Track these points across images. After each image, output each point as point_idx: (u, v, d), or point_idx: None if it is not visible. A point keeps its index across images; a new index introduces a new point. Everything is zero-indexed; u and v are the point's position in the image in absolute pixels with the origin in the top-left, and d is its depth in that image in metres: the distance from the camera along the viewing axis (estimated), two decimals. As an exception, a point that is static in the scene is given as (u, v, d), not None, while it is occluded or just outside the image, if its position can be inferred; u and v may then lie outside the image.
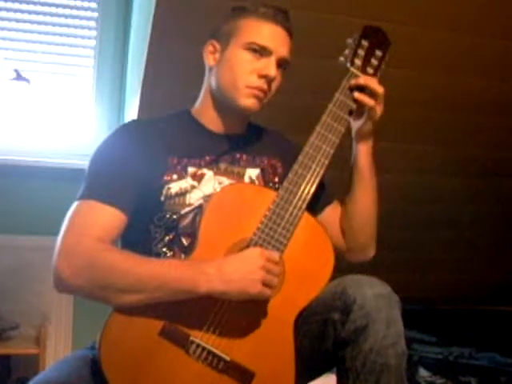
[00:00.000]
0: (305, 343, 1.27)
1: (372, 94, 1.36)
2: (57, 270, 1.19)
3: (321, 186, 1.34)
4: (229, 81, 1.35)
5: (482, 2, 2.19)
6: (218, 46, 1.38)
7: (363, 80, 1.35)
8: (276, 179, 1.42)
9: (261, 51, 1.33)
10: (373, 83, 1.35)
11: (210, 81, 1.41)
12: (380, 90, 1.35)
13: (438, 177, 2.95)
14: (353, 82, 1.35)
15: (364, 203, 1.44)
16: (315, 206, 1.37)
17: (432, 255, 3.26)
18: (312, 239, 1.30)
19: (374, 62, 1.39)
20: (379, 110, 1.38)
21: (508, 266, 3.38)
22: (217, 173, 1.36)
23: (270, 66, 1.33)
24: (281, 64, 1.36)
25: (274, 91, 1.38)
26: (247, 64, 1.34)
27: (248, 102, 1.35)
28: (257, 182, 1.40)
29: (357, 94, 1.34)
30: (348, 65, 1.37)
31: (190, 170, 1.34)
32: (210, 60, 1.39)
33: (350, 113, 1.35)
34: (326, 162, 1.31)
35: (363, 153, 1.43)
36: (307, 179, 1.29)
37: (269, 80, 1.34)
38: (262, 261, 1.19)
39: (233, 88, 1.34)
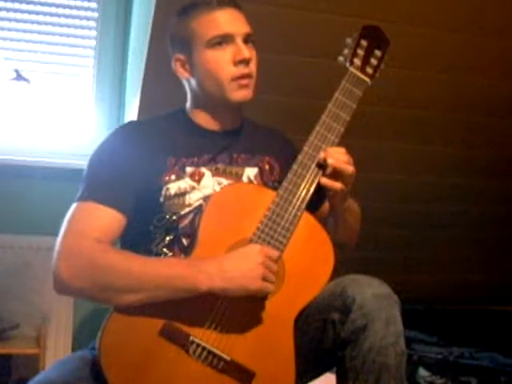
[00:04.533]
0: (305, 343, 1.27)
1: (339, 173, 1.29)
2: (56, 272, 1.19)
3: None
4: (212, 84, 1.35)
5: (481, 1, 2.19)
6: (183, 58, 1.38)
7: (330, 162, 1.27)
8: (274, 178, 1.42)
9: (224, 40, 1.33)
10: (339, 163, 1.28)
11: (193, 90, 1.40)
12: (349, 170, 1.29)
13: (438, 177, 2.95)
14: (321, 155, 1.28)
15: (340, 230, 1.43)
16: (313, 203, 1.36)
17: (432, 255, 3.26)
18: (312, 239, 1.30)
19: (374, 61, 1.39)
20: (348, 185, 1.31)
21: (508, 266, 3.38)
22: (215, 173, 1.35)
23: (240, 50, 1.33)
24: (247, 40, 1.35)
25: (255, 69, 1.37)
26: (220, 60, 1.33)
27: (240, 94, 1.35)
28: (255, 182, 1.40)
29: (323, 180, 1.28)
30: (347, 64, 1.37)
31: (188, 169, 1.33)
32: (183, 73, 1.39)
33: (320, 166, 1.29)
34: (326, 161, 1.31)
35: (337, 204, 1.38)
36: (306, 179, 1.28)
37: (246, 62, 1.33)
38: (261, 257, 1.19)
39: (219, 88, 1.34)
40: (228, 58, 1.33)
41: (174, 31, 1.40)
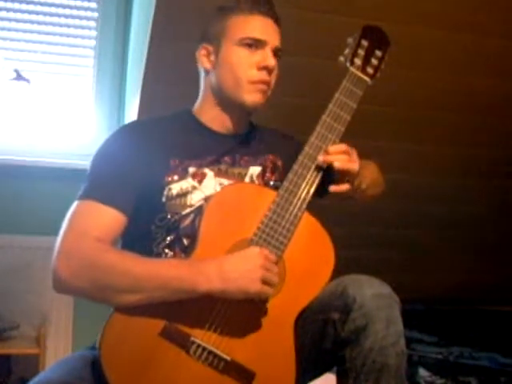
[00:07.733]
0: (305, 343, 1.27)
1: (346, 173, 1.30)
2: (56, 271, 1.19)
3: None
4: (231, 80, 1.35)
5: (481, 1, 2.19)
6: (210, 49, 1.39)
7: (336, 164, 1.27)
8: (274, 177, 1.42)
9: (255, 44, 1.35)
10: (345, 165, 1.28)
11: (209, 83, 1.41)
12: (355, 168, 1.30)
13: (438, 177, 2.95)
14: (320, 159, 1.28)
15: (366, 197, 1.46)
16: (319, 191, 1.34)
17: (432, 255, 3.26)
18: (312, 239, 1.30)
19: (374, 61, 1.39)
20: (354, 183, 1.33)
21: (508, 266, 3.38)
22: (217, 174, 1.35)
23: (267, 57, 1.34)
24: (275, 53, 1.37)
25: (274, 81, 1.38)
26: (245, 59, 1.34)
27: (254, 97, 1.36)
28: (256, 182, 1.40)
29: (333, 188, 1.29)
30: (348, 64, 1.37)
31: (191, 169, 1.33)
32: (205, 63, 1.40)
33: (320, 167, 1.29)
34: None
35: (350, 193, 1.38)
36: (307, 179, 1.29)
37: (269, 70, 1.35)
38: (261, 259, 1.19)
39: (236, 86, 1.35)
40: (253, 60, 1.34)
41: (210, 24, 1.41)
